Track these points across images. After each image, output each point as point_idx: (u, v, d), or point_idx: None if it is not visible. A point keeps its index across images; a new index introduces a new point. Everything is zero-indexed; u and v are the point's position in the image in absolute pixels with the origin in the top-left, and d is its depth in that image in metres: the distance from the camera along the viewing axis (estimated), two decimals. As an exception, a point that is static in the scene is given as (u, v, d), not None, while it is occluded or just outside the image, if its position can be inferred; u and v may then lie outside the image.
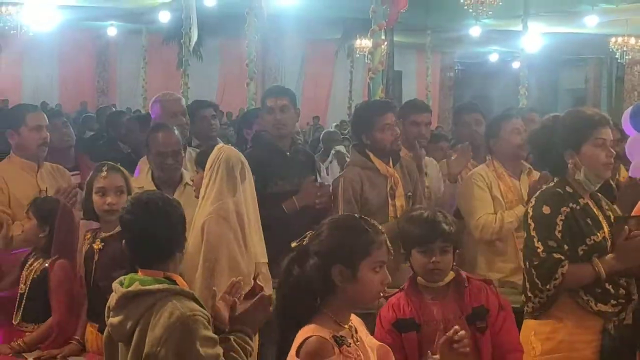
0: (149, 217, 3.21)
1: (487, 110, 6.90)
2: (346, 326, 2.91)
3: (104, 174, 4.37)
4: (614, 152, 3.90)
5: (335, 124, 18.79)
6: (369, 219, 2.96)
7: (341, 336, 2.84)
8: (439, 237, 3.58)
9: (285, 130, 5.35)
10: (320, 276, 2.85)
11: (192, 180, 4.65)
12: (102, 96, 24.17)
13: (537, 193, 3.98)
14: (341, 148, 10.55)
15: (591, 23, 17.96)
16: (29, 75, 22.92)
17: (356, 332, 2.95)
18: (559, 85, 29.58)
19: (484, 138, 5.51)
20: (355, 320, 3.01)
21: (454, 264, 3.68)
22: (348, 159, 6.25)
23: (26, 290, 4.53)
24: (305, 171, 5.40)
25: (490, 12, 14.05)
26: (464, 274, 3.70)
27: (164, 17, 18.09)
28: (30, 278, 4.55)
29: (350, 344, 2.84)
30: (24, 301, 4.51)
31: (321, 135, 12.23)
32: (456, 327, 3.00)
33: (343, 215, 3.17)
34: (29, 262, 4.64)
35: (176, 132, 5.05)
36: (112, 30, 22.70)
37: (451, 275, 3.64)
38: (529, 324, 3.87)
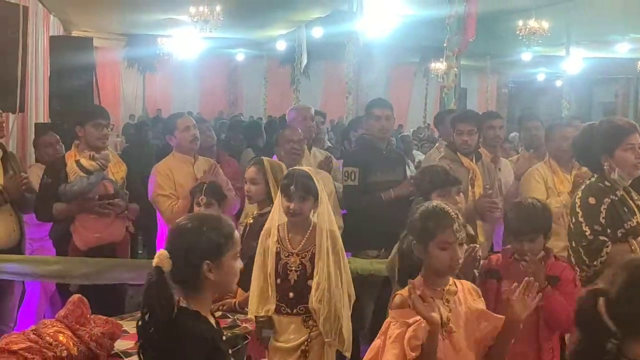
0: None
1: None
2: (438, 289, 2.86)
3: (249, 167, 4.50)
4: None
5: (413, 129, 18.70)
6: (445, 207, 2.90)
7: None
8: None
9: (387, 135, 5.50)
10: (413, 250, 2.91)
11: None
12: (232, 107, 24.49)
13: (582, 187, 3.91)
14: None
15: (622, 49, 17.50)
16: (177, 91, 23.35)
17: (454, 294, 2.88)
18: (592, 99, 28.78)
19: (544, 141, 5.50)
20: (464, 285, 2.97)
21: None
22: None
23: None
24: (398, 166, 5.43)
25: (540, 41, 13.76)
26: (552, 253, 3.62)
27: (281, 46, 18.23)
28: None
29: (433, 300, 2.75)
30: None
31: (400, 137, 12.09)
32: (530, 278, 2.85)
33: (424, 205, 2.96)
34: None
35: (299, 130, 5.19)
36: (240, 56, 22.95)
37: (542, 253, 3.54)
38: (576, 293, 3.79)
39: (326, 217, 3.78)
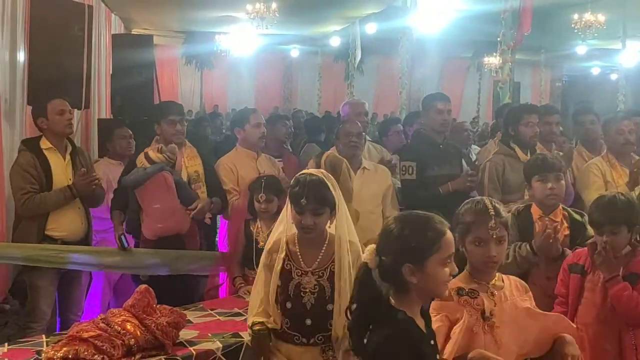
0: None
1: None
2: (483, 282, 2.84)
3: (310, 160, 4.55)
4: None
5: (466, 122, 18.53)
6: (489, 203, 2.82)
7: (469, 289, 2.82)
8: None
9: (448, 128, 5.46)
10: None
11: None
12: (286, 102, 24.56)
13: None
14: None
15: (680, 42, 17.02)
16: (233, 87, 23.53)
17: (500, 289, 2.83)
18: (649, 92, 28.18)
19: (602, 134, 5.40)
20: (512, 281, 2.93)
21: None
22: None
23: None
24: (455, 159, 5.41)
25: (595, 34, 13.47)
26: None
27: (335, 42, 18.22)
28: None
29: (477, 295, 2.78)
30: None
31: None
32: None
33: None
34: (257, 225, 4.64)
35: (358, 124, 5.19)
36: (294, 52, 23.01)
37: (628, 248, 3.46)
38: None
39: (345, 228, 3.21)
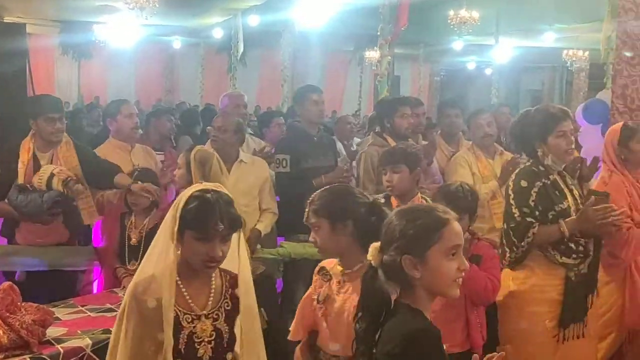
0: None
1: (465, 106, 6.90)
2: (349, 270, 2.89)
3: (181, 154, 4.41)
4: (573, 141, 3.86)
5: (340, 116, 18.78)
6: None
7: (326, 272, 2.97)
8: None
9: (323, 118, 5.51)
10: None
11: None
12: (169, 94, 24.16)
13: (517, 170, 3.97)
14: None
15: (548, 39, 17.80)
16: (113, 78, 22.92)
17: (354, 279, 2.78)
18: (520, 87, 29.32)
19: (467, 127, 5.59)
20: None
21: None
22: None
23: (142, 241, 4.40)
24: (329, 151, 5.46)
25: (470, 30, 13.91)
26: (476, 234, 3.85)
27: (217, 34, 18.02)
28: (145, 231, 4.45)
29: (329, 278, 2.92)
30: (141, 250, 4.27)
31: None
32: None
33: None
34: (131, 220, 4.56)
35: (231, 118, 5.13)
36: (177, 44, 22.59)
37: (467, 235, 3.64)
38: (507, 272, 3.86)
39: (244, 246, 2.69)
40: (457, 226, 2.24)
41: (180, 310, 2.53)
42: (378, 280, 2.23)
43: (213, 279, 2.63)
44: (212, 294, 2.61)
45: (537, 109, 3.96)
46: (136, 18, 13.38)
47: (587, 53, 20.14)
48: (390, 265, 2.20)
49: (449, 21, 13.58)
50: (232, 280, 2.67)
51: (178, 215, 2.49)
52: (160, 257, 2.55)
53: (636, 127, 4.29)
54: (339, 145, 7.15)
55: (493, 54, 16.66)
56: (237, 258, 2.64)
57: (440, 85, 27.06)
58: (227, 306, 2.63)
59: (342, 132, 6.80)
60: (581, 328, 3.77)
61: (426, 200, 4.05)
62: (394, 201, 4.09)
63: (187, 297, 2.56)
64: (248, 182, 4.94)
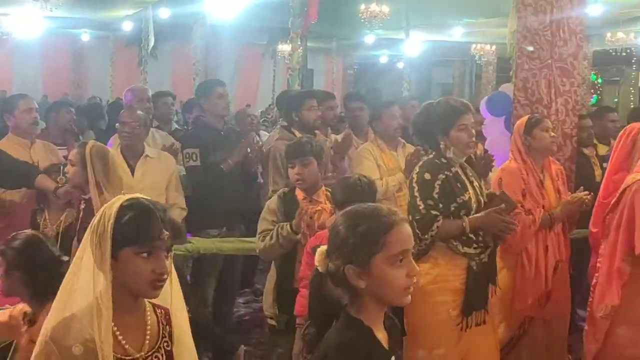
0: None
1: (378, 99, 6.97)
2: None
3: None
4: (474, 134, 3.95)
5: (261, 110, 18.69)
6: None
7: None
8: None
9: (229, 112, 5.51)
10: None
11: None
12: (77, 88, 23.54)
13: (421, 163, 4.03)
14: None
15: (457, 33, 18.16)
16: (18, 72, 22.18)
17: None
18: (432, 80, 29.84)
19: (370, 121, 5.61)
20: None
21: None
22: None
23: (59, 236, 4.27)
24: (237, 145, 5.45)
25: (381, 24, 14.09)
26: None
27: (127, 26, 17.67)
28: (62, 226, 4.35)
29: None
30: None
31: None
32: None
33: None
34: (44, 217, 4.45)
35: (139, 112, 5.05)
36: (85, 36, 22.05)
37: None
38: (413, 264, 3.92)
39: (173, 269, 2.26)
40: (403, 229, 2.08)
41: (113, 355, 2.07)
42: (326, 287, 2.11)
43: (148, 313, 2.22)
44: (148, 333, 2.20)
45: (439, 102, 4.03)
46: (41, 10, 12.98)
47: (494, 47, 20.65)
48: (335, 274, 2.07)
49: (359, 15, 13.70)
50: (167, 315, 2.28)
51: (109, 233, 2.06)
52: (83, 292, 2.11)
53: (542, 117, 4.49)
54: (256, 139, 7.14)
55: (404, 48, 16.89)
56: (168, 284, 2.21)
57: (354, 78, 27.25)
58: (167, 346, 2.24)
59: (242, 126, 6.78)
60: (482, 315, 3.88)
61: (327, 191, 4.10)
62: (299, 193, 4.13)
63: (121, 338, 2.12)
64: (155, 178, 4.89)
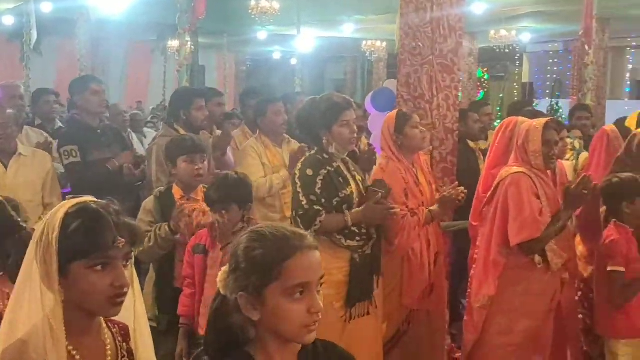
0: None
1: (271, 95, 6.91)
2: None
3: None
4: (356, 130, 4.00)
5: (152, 107, 18.41)
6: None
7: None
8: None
9: (105, 109, 5.37)
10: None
11: None
12: (-44, 86, 22.48)
13: (303, 159, 4.05)
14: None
15: (348, 29, 18.38)
16: None
17: None
18: (325, 76, 30.11)
19: (255, 117, 5.59)
20: None
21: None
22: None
23: None
24: (114, 143, 5.34)
25: (272, 20, 14.09)
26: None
27: (8, 20, 17.01)
28: None
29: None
30: None
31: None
32: None
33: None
34: None
35: (9, 111, 4.88)
36: (-37, 31, 21.13)
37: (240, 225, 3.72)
38: (295, 260, 3.94)
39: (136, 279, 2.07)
40: (308, 258, 1.80)
41: None
42: (228, 310, 1.81)
43: (105, 331, 1.99)
44: (108, 353, 1.96)
45: (322, 98, 4.05)
46: None
47: (385, 44, 21.02)
48: (230, 300, 1.81)
49: (250, 11, 13.66)
50: (123, 331, 2.04)
51: (55, 247, 1.80)
52: (30, 314, 1.85)
53: (411, 113, 4.53)
54: (135, 137, 7.02)
55: (296, 44, 16.96)
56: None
57: (247, 74, 27.19)
58: None
59: (115, 123, 6.65)
60: (366, 306, 3.94)
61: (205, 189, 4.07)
62: (177, 192, 4.07)
63: None
64: (29, 176, 4.75)
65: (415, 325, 4.43)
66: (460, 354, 4.60)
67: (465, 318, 4.19)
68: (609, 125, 4.80)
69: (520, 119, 4.32)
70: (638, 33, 20.75)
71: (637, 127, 4.82)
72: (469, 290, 4.16)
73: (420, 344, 4.46)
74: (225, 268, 1.83)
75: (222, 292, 1.81)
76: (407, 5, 5.79)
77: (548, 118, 4.22)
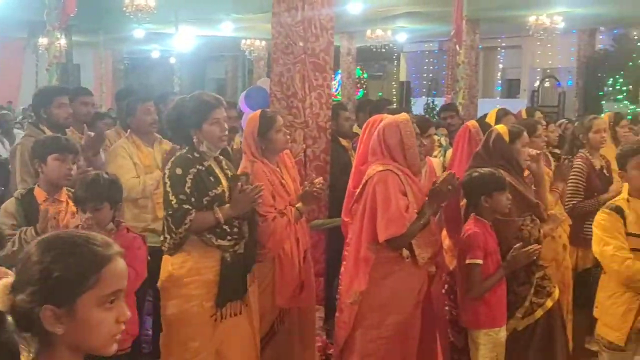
0: None
1: (150, 95, 6.77)
2: None
3: None
4: (227, 128, 4.00)
5: (23, 107, 17.77)
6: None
7: None
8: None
9: None
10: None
11: None
12: None
13: (173, 158, 4.01)
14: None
15: (227, 28, 18.31)
16: None
17: None
18: (206, 75, 29.91)
19: (125, 117, 5.48)
20: None
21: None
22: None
23: None
24: None
25: (148, 18, 13.85)
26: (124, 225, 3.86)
27: None
28: None
29: None
30: None
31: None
32: None
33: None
34: None
35: None
36: None
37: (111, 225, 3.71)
38: (167, 258, 3.92)
39: None
40: (120, 264, 1.74)
41: None
42: (6, 330, 1.65)
43: None
44: None
45: (192, 96, 4.02)
46: None
47: (264, 43, 21.06)
48: (24, 314, 1.66)
49: (124, 9, 13.38)
50: None
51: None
52: None
53: (274, 115, 4.53)
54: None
55: (174, 43, 16.77)
56: None
57: (124, 73, 26.62)
58: None
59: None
60: (239, 306, 3.95)
61: (69, 191, 3.97)
62: (39, 194, 3.94)
63: None
64: None
65: (287, 323, 4.46)
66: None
67: (336, 314, 4.25)
68: (471, 122, 4.98)
69: (385, 116, 4.42)
70: (508, 34, 21.68)
71: (496, 124, 5.05)
72: (340, 287, 4.22)
73: (291, 341, 4.50)
74: (6, 281, 1.68)
75: (1, 308, 1.65)
76: (279, 4, 5.83)
77: (406, 113, 4.32)
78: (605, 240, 3.88)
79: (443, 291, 4.51)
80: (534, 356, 4.27)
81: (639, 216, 3.87)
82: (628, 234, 3.84)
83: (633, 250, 3.82)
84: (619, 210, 3.88)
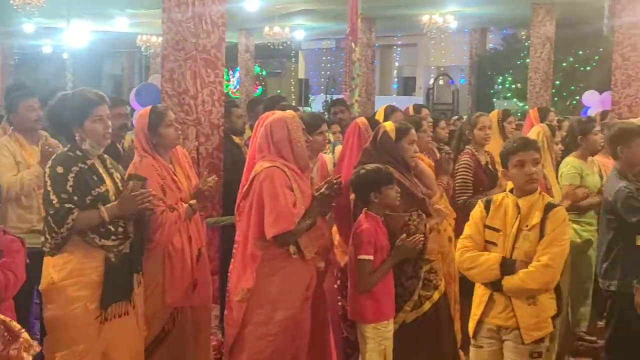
0: None
1: (42, 92, 6.51)
2: None
3: None
4: (110, 125, 3.91)
5: None
6: None
7: None
8: None
9: None
10: None
11: None
12: None
13: (54, 156, 3.89)
14: None
15: (121, 24, 17.96)
16: None
17: None
18: (102, 72, 29.25)
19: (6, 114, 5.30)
20: None
21: None
22: None
23: None
24: None
25: (37, 12, 13.41)
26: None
27: None
28: None
29: None
30: None
31: None
32: None
33: None
34: None
35: None
36: None
37: None
38: (48, 260, 3.80)
39: None
40: None
41: None
42: None
43: None
44: None
45: (74, 93, 3.94)
46: None
47: (160, 39, 20.70)
48: None
49: (11, 2, 12.91)
50: None
51: None
52: None
53: (165, 110, 4.45)
54: None
55: (66, 38, 16.31)
56: None
57: (15, 68, 25.70)
58: None
59: None
60: (125, 307, 3.86)
61: None
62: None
63: None
64: None
65: (180, 322, 4.39)
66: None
67: (225, 312, 4.22)
68: (360, 118, 5.04)
69: (275, 112, 4.42)
70: (404, 32, 22.10)
71: (384, 120, 5.13)
72: (228, 285, 4.19)
73: (185, 341, 4.43)
74: None
75: None
76: (169, 0, 5.74)
77: (292, 110, 4.36)
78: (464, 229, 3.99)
79: (335, 287, 4.56)
80: (422, 347, 4.37)
81: (501, 211, 3.87)
82: (485, 226, 3.90)
83: (488, 242, 3.87)
84: (486, 203, 3.95)
